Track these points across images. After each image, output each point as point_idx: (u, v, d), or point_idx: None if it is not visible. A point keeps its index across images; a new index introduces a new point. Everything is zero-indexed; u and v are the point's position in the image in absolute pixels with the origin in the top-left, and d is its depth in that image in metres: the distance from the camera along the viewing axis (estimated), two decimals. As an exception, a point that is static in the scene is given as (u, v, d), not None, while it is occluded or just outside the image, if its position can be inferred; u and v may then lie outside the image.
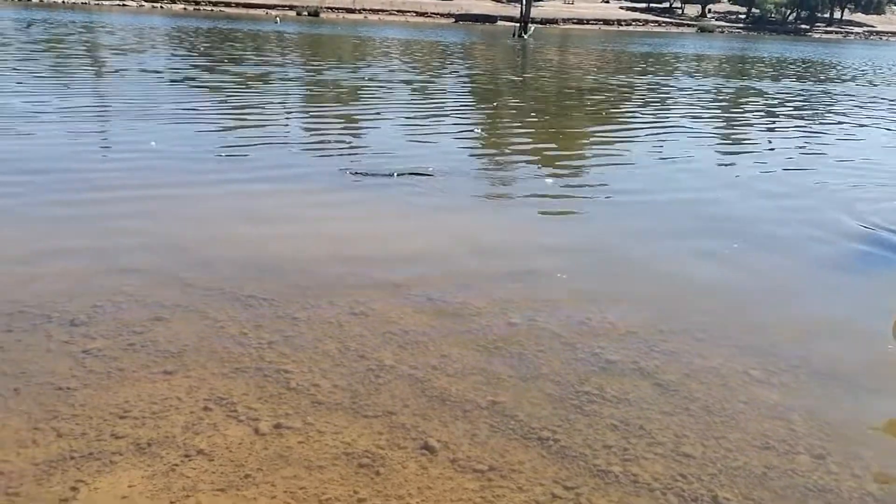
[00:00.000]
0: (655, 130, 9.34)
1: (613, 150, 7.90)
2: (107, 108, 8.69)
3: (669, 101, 12.99)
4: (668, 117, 10.71)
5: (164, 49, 17.85)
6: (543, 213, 5.27)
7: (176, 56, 16.39)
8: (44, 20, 26.45)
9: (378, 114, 9.46)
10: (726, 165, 7.60)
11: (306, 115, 9.46)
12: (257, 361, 2.86)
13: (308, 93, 11.71)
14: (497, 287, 3.77)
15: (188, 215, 4.72)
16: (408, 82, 13.54)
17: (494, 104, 11.48)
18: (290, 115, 9.14)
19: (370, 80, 13.53)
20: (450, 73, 16.45)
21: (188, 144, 6.82)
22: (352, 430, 2.41)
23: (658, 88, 15.08)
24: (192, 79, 12.39)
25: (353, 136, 7.92)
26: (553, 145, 8.09)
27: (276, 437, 2.34)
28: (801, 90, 16.16)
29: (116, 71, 13.06)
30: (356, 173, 5.86)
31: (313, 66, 16.27)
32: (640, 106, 12.10)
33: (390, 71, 15.46)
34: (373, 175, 5.84)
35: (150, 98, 9.57)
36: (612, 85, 15.30)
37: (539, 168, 6.76)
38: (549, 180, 5.97)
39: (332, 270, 3.87)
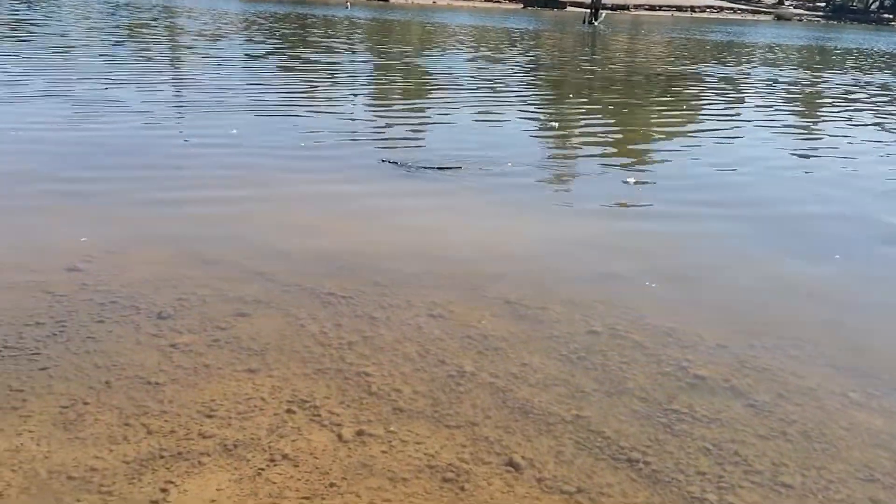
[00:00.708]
0: (736, 125, 8.97)
1: (693, 144, 7.64)
2: (187, 96, 8.91)
3: (749, 93, 12.46)
4: (747, 110, 10.27)
5: (243, 34, 18.18)
6: (623, 212, 5.12)
7: (254, 42, 16.67)
8: (128, 3, 27.39)
9: (451, 103, 9.38)
10: (817, 165, 7.22)
11: (379, 105, 9.47)
12: (338, 363, 2.85)
13: (380, 81, 11.73)
14: (577, 291, 3.67)
15: (267, 206, 4.78)
16: (479, 70, 13.40)
17: (570, 95, 11.25)
18: (362, 104, 9.17)
19: (443, 67, 13.45)
20: (521, 60, 16.21)
21: (267, 133, 6.92)
22: (434, 441, 2.37)
23: (736, 79, 14.50)
24: (270, 65, 12.58)
25: (425, 127, 7.87)
26: (631, 138, 7.90)
27: (359, 445, 2.33)
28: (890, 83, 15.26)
29: (199, 56, 13.38)
30: (406, 165, 5.81)
31: (387, 51, 16.30)
32: (718, 97, 11.65)
33: (462, 58, 15.34)
34: (417, 168, 5.75)
35: (231, 85, 9.75)
36: (688, 74, 14.80)
37: (617, 164, 6.58)
38: (630, 179, 5.76)
39: (409, 268, 3.84)
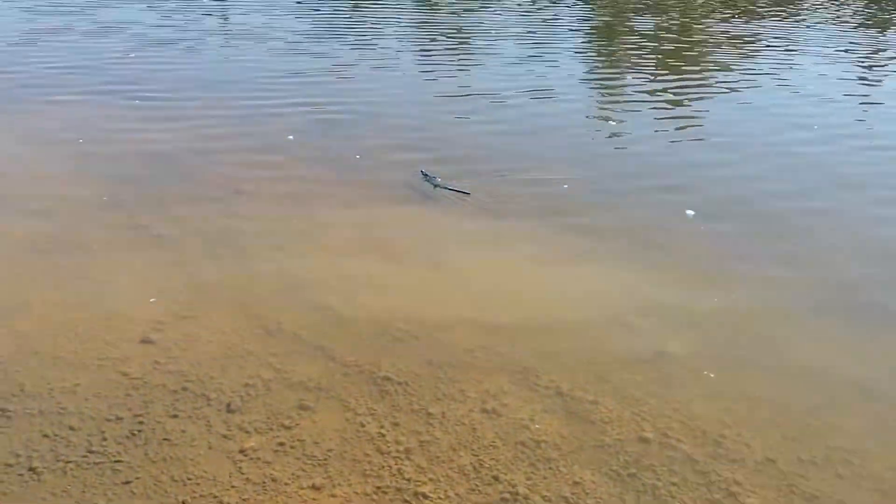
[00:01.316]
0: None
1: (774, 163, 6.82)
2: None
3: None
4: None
5: None
6: (680, 264, 4.93)
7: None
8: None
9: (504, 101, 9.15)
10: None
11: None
12: (397, 478, 3.00)
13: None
14: (628, 378, 3.71)
15: (317, 252, 4.84)
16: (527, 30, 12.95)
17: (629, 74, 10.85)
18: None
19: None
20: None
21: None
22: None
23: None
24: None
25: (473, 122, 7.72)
26: (692, 152, 7.27)
27: None
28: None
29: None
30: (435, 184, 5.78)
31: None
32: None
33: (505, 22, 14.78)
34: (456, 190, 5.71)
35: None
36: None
37: (677, 185, 6.14)
38: (690, 212, 5.57)
39: (461, 343, 3.92)
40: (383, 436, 3.23)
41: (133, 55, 9.61)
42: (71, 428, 3.15)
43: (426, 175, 5.87)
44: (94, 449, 3.05)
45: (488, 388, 3.59)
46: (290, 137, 6.82)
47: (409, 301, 4.30)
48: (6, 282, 4.21)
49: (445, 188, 5.70)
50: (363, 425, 3.29)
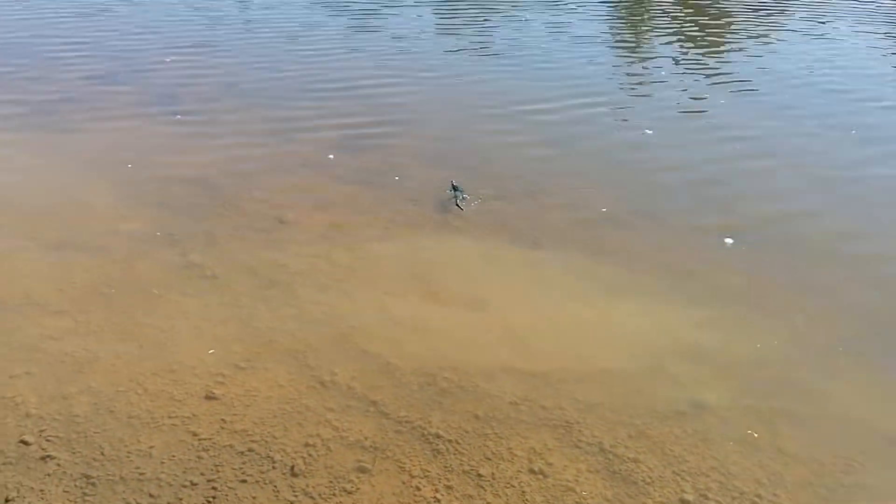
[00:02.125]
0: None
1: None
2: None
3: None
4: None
5: None
6: (719, 300, 4.98)
7: None
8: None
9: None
10: None
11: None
12: (453, 547, 3.23)
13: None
14: (667, 433, 3.89)
15: (362, 291, 5.01)
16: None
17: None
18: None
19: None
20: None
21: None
22: None
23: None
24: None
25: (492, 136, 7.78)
26: (734, 167, 7.10)
27: None
28: None
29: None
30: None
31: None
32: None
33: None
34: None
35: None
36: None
37: (719, 221, 5.97)
38: (729, 240, 5.62)
39: (505, 395, 4.11)
40: (438, 500, 3.46)
41: (169, 60, 9.71)
42: (151, 496, 3.42)
43: (455, 188, 6.15)
44: (174, 519, 3.31)
45: (534, 446, 3.79)
46: (331, 157, 6.95)
47: (454, 347, 4.49)
48: (76, 333, 4.46)
49: (463, 198, 6.03)
50: (419, 489, 3.52)
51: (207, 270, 5.16)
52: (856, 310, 4.95)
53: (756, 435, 3.89)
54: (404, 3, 13.64)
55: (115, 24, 11.45)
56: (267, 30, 11.59)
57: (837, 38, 12.20)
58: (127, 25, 11.33)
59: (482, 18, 12.84)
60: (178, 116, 7.79)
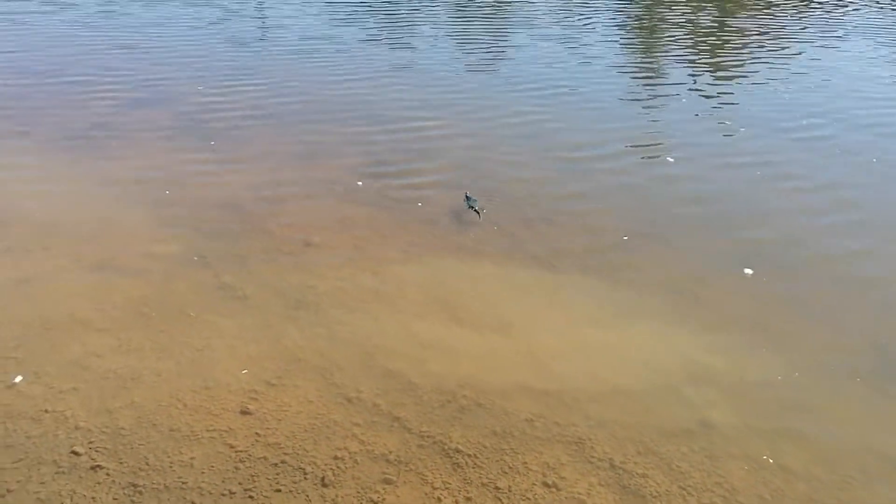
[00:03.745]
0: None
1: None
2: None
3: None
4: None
5: None
6: (734, 326, 5.17)
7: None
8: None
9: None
10: None
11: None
12: (473, 555, 3.48)
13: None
14: (675, 450, 4.12)
15: (386, 314, 5.29)
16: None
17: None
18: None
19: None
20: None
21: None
22: None
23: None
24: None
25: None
26: (758, 190, 7.43)
27: None
28: None
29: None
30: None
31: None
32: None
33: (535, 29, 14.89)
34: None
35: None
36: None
37: (741, 249, 6.16)
38: (748, 271, 5.81)
39: (521, 412, 4.36)
40: (459, 512, 3.71)
41: (201, 87, 10.14)
42: (193, 503, 3.70)
43: (469, 198, 6.61)
44: (216, 526, 3.59)
45: (547, 461, 4.03)
46: (359, 183, 7.28)
47: (473, 367, 4.75)
48: (118, 351, 4.77)
49: (477, 209, 6.48)
50: (440, 500, 3.77)
51: (239, 291, 5.46)
52: (866, 337, 5.15)
53: (758, 451, 4.10)
54: (424, 34, 14.01)
55: (146, 54, 11.90)
56: (291, 54, 12.01)
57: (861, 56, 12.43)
58: (158, 55, 11.77)
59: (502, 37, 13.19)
60: (213, 143, 8.15)
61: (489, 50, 12.81)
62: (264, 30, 13.33)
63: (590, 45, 13.30)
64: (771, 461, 4.05)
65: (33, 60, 11.19)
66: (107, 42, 12.40)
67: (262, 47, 12.45)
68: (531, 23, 14.94)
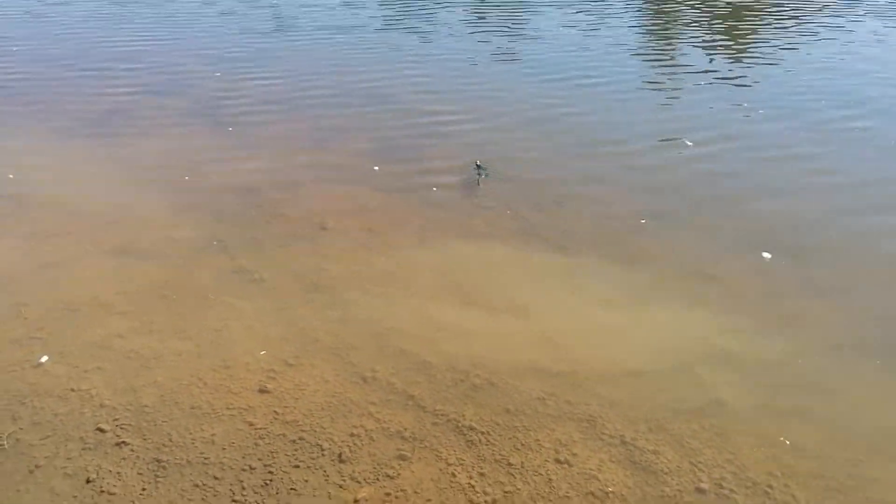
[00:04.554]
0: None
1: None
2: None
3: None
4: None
5: None
6: (751, 308, 5.17)
7: None
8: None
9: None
10: None
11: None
12: (487, 528, 3.56)
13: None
14: (686, 428, 4.16)
15: (400, 296, 5.37)
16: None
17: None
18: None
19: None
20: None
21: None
22: None
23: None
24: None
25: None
26: (779, 172, 7.39)
27: None
28: None
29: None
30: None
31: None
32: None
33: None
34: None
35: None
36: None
37: (760, 234, 6.11)
38: (767, 255, 5.77)
39: (533, 391, 4.42)
40: (472, 486, 3.79)
41: (218, 73, 10.22)
42: (215, 478, 3.81)
43: (479, 166, 6.97)
44: (237, 498, 3.70)
45: (559, 438, 4.10)
46: (375, 168, 7.34)
47: (486, 347, 4.82)
48: (140, 333, 4.89)
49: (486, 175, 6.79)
50: (454, 475, 3.85)
51: (256, 275, 5.56)
52: (884, 319, 5.14)
53: (769, 429, 4.14)
54: (441, 20, 14.00)
55: (162, 42, 12.00)
56: (307, 42, 12.07)
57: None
58: (174, 44, 11.87)
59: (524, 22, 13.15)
60: (231, 129, 8.25)
61: (507, 36, 12.79)
62: (279, 19, 13.39)
63: (608, 30, 13.22)
64: (782, 439, 4.09)
65: (51, 50, 11.34)
66: (123, 31, 12.52)
67: (278, 36, 12.52)
68: (550, 8, 14.86)
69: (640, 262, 5.78)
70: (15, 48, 11.44)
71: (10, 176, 6.98)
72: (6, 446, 3.93)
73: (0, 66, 10.56)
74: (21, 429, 4.06)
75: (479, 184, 6.67)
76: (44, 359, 4.56)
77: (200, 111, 8.83)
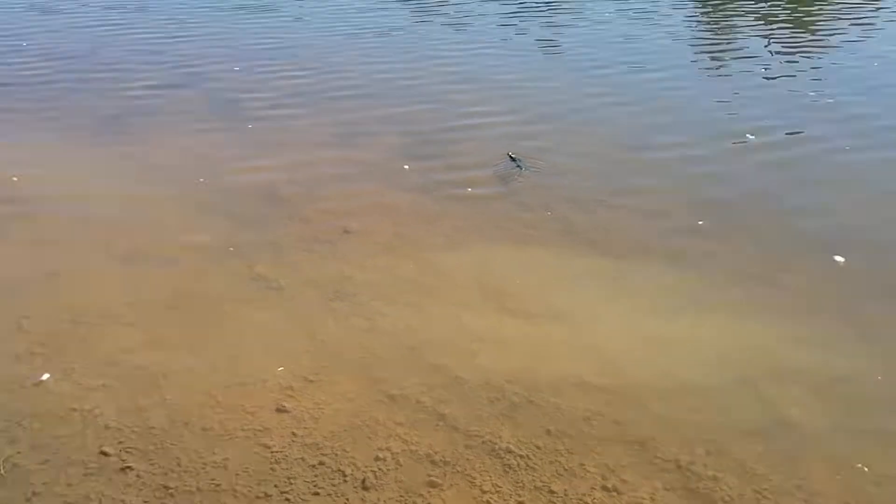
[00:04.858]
0: None
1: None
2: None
3: None
4: None
5: None
6: (820, 317, 4.74)
7: None
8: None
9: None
10: None
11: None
12: (528, 568, 3.16)
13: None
14: (750, 450, 3.74)
15: (428, 305, 4.98)
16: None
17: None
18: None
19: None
20: None
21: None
22: None
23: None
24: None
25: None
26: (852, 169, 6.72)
27: None
28: None
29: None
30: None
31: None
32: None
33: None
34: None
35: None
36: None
37: (832, 234, 5.65)
38: (839, 259, 5.25)
39: (577, 409, 4.02)
40: (511, 518, 3.39)
41: (238, 68, 9.95)
42: (227, 507, 3.46)
43: (514, 158, 6.62)
44: (258, 531, 3.34)
45: (607, 462, 3.69)
46: (406, 167, 6.97)
47: (524, 361, 4.42)
48: (149, 346, 4.56)
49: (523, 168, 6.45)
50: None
51: (274, 283, 5.22)
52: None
53: (841, 451, 3.70)
54: (476, 13, 13.62)
55: (180, 38, 11.75)
56: (329, 35, 11.72)
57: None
58: (192, 39, 11.60)
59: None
60: (250, 126, 7.95)
61: (546, 26, 12.32)
62: (301, 9, 13.12)
63: (659, 17, 12.70)
64: (860, 465, 3.64)
65: (64, 46, 11.11)
66: (138, 26, 12.30)
67: (298, 29, 12.20)
68: None
69: (696, 266, 5.31)
70: (25, 44, 11.22)
71: (14, 179, 6.71)
72: (2, 472, 3.61)
73: (7, 62, 10.33)
74: (19, 452, 3.75)
75: (518, 176, 6.25)
76: (45, 376, 4.25)
77: (219, 107, 8.53)
